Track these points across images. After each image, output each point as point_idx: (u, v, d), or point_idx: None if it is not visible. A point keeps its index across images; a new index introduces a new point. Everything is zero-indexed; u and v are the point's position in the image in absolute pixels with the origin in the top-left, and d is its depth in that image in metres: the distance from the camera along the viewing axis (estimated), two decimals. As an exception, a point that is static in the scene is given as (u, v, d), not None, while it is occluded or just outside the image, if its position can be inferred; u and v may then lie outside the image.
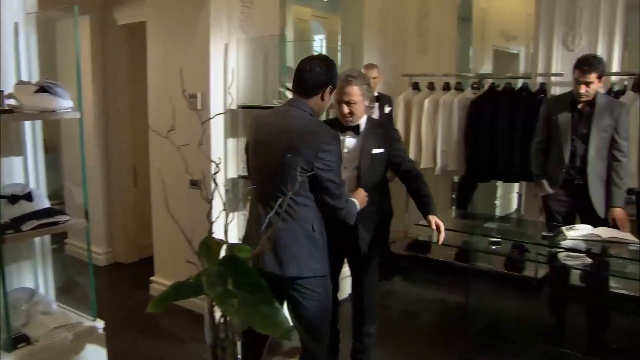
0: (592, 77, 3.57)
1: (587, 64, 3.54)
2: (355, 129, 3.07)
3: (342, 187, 2.62)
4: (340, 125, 3.06)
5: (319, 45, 4.78)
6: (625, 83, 4.63)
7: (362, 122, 3.08)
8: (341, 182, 2.62)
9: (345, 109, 2.98)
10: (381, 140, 3.07)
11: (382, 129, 3.19)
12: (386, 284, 5.11)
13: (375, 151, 3.04)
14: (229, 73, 4.07)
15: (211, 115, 3.92)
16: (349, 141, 3.08)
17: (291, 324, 1.70)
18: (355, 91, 2.95)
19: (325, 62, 2.68)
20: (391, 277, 5.23)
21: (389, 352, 3.74)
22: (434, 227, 3.01)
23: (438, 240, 3.03)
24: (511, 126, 4.85)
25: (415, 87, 5.47)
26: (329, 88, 2.66)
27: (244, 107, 4.14)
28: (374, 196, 3.04)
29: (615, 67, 4.74)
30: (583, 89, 3.61)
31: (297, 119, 2.60)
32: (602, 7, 4.75)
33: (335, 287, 3.52)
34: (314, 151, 2.39)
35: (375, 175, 3.07)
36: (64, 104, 2.83)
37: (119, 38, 5.22)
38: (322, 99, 2.67)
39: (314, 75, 2.63)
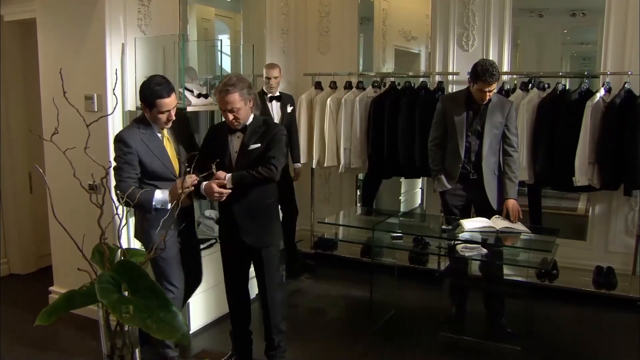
0: (494, 85, 3.75)
1: (491, 77, 3.66)
2: (243, 129, 3.23)
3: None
4: (229, 128, 3.23)
5: (221, 44, 4.73)
6: (515, 82, 4.89)
7: (249, 121, 3.24)
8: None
9: (230, 116, 3.14)
10: (261, 137, 3.21)
11: (265, 126, 3.28)
12: (293, 282, 5.13)
13: (252, 146, 3.19)
14: (119, 74, 3.91)
15: (111, 118, 3.79)
16: (236, 142, 3.25)
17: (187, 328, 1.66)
18: (234, 98, 3.08)
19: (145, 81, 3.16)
20: (298, 276, 5.25)
21: (298, 348, 3.76)
22: None
23: None
24: (411, 123, 4.99)
25: (318, 86, 5.51)
26: (142, 105, 3.17)
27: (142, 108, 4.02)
28: (260, 191, 3.23)
29: (505, 66, 4.99)
30: (486, 96, 3.78)
31: None
32: (492, 10, 4.99)
33: (245, 287, 3.53)
34: None
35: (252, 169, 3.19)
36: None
37: (8, 35, 4.94)
38: (145, 112, 3.21)
39: None
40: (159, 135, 3.29)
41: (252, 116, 3.23)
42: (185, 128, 3.50)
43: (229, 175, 3.13)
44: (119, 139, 3.16)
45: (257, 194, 3.22)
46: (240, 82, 3.11)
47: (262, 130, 3.22)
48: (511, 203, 3.87)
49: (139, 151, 3.16)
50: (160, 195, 3.08)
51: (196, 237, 3.65)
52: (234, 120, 3.14)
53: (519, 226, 3.74)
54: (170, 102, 3.16)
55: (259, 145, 3.19)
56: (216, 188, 3.09)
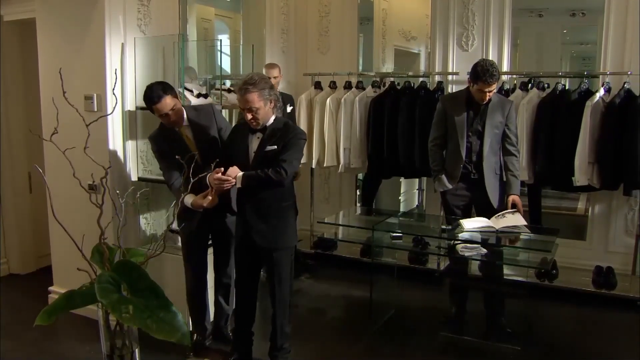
0: (494, 85, 3.75)
1: (491, 77, 3.65)
2: (263, 130, 3.22)
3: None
4: (249, 127, 3.23)
5: (221, 44, 4.74)
6: (515, 82, 4.89)
7: (270, 122, 3.23)
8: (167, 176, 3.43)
9: (249, 116, 3.13)
10: (279, 139, 3.19)
11: (285, 128, 3.25)
12: (293, 282, 5.11)
13: (269, 148, 3.17)
14: (118, 74, 3.91)
15: (110, 118, 3.80)
16: (255, 142, 3.24)
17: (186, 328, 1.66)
18: (253, 98, 3.07)
19: None
20: (298, 276, 5.24)
21: (299, 348, 3.75)
22: None
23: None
24: (411, 123, 4.98)
25: (318, 86, 5.50)
26: None
27: (142, 108, 4.02)
28: (275, 192, 3.22)
29: (505, 66, 4.99)
30: (486, 96, 3.78)
31: None
32: (492, 10, 4.98)
33: (253, 288, 3.53)
34: None
35: None
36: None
37: (8, 35, 4.94)
38: None
39: None
40: (178, 133, 3.49)
41: (273, 117, 3.22)
42: (208, 124, 3.56)
43: (240, 174, 3.13)
44: (148, 139, 3.58)
45: (271, 194, 3.21)
46: (262, 82, 3.10)
47: (281, 132, 3.19)
48: (515, 198, 3.89)
49: (162, 148, 3.46)
50: (189, 200, 3.29)
51: (229, 232, 3.69)
52: (252, 120, 3.14)
53: (520, 219, 3.73)
54: (160, 107, 3.34)
55: (275, 147, 3.16)
56: (215, 175, 3.12)
